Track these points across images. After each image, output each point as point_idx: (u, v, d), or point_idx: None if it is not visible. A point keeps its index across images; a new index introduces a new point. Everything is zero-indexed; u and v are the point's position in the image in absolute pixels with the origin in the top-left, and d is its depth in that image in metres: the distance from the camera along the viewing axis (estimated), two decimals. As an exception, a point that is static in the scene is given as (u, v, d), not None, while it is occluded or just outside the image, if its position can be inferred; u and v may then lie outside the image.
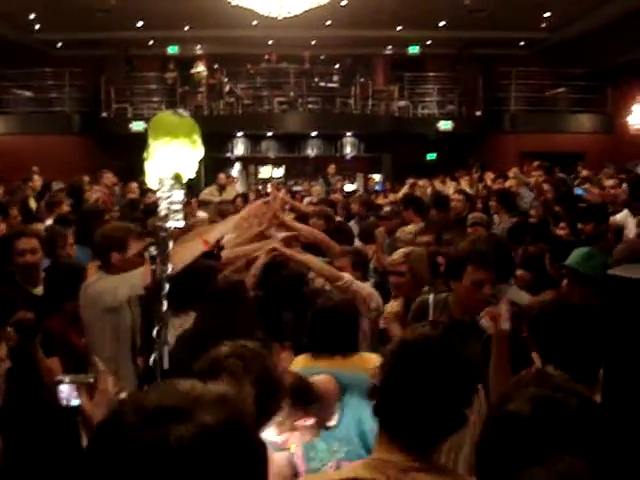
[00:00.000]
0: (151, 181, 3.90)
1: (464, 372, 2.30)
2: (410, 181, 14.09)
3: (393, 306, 5.61)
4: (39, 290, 5.55)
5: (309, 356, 4.07)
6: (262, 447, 1.43)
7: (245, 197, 12.87)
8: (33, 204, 11.01)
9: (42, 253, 5.86)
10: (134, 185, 13.07)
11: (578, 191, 10.23)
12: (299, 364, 4.06)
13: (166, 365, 3.88)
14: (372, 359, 3.78)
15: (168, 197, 3.75)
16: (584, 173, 14.96)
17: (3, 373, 3.29)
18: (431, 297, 4.64)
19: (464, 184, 13.75)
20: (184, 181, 3.83)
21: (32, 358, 4.45)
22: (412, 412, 2.23)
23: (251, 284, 5.27)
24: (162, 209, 3.76)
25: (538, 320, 3.49)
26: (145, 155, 3.89)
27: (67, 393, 3.20)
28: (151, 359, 3.90)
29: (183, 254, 4.48)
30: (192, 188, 13.20)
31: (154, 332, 3.86)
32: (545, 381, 1.94)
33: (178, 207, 3.76)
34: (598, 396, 2.72)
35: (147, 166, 3.88)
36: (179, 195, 3.77)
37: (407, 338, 2.41)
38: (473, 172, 13.50)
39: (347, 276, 5.36)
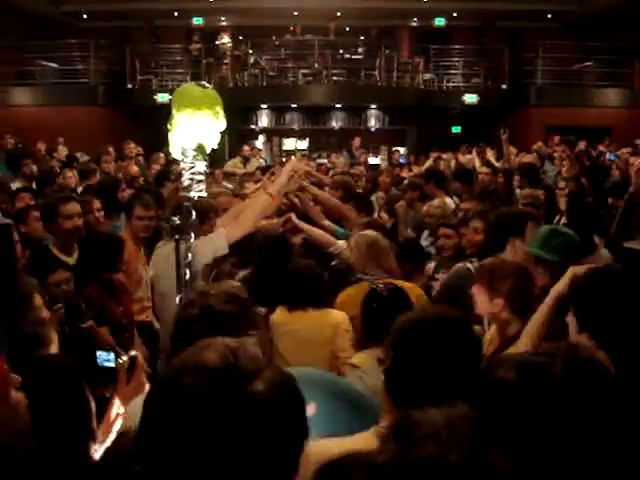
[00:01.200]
0: (175, 152, 3.96)
1: (471, 349, 2.36)
2: (434, 154, 14.03)
3: None
4: (73, 259, 5.60)
5: (285, 309, 4.62)
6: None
7: (264, 170, 12.85)
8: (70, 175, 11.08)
9: None
10: (160, 155, 13.12)
11: (611, 157, 10.08)
12: (277, 317, 4.61)
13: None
14: (338, 316, 4.52)
15: (191, 167, 3.81)
16: (602, 149, 14.80)
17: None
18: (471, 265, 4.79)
19: (490, 156, 13.63)
20: (207, 152, 3.88)
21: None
22: (419, 385, 2.28)
23: None
24: (185, 179, 3.82)
25: (578, 286, 3.42)
26: (169, 126, 3.94)
27: (105, 357, 3.33)
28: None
29: (254, 212, 5.04)
30: (216, 159, 13.25)
31: (177, 299, 3.93)
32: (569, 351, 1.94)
33: (201, 177, 3.82)
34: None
35: (171, 137, 3.93)
36: (202, 166, 3.82)
37: (416, 316, 2.49)
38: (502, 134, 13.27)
39: (340, 243, 5.72)
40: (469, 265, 4.89)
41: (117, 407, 3.11)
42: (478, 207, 6.57)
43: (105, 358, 3.37)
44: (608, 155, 10.64)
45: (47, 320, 3.31)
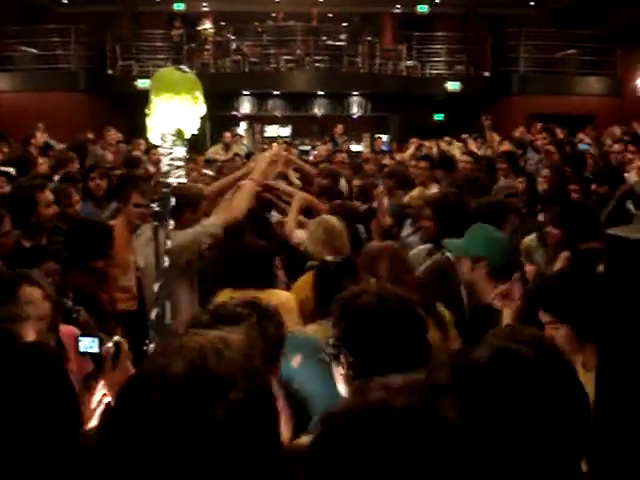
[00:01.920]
0: (153, 137, 3.89)
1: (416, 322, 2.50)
2: (414, 141, 14.00)
3: None
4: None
5: (231, 290, 4.43)
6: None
7: (247, 157, 12.78)
8: (43, 163, 10.96)
9: None
10: (141, 142, 13.03)
11: (583, 146, 10.10)
12: (221, 298, 4.43)
13: (168, 321, 3.91)
14: (282, 295, 4.42)
15: (170, 153, 3.75)
16: (583, 137, 14.84)
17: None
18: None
19: (472, 145, 13.63)
20: (186, 137, 3.82)
21: None
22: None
23: None
24: (164, 165, 3.76)
25: (549, 287, 3.44)
26: (147, 111, 3.88)
27: (89, 343, 3.28)
28: (153, 314, 3.92)
29: (244, 197, 5.24)
30: (197, 146, 13.19)
31: (155, 287, 3.88)
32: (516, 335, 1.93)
33: (180, 163, 3.76)
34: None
35: (149, 122, 3.87)
36: (181, 151, 3.76)
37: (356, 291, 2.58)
38: (484, 120, 13.20)
39: (299, 233, 5.84)
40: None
41: (100, 392, 3.08)
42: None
43: (89, 344, 3.32)
44: (581, 145, 10.62)
45: (22, 315, 3.24)
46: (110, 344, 3.20)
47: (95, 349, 3.26)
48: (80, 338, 3.35)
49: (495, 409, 1.61)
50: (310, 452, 1.30)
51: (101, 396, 3.06)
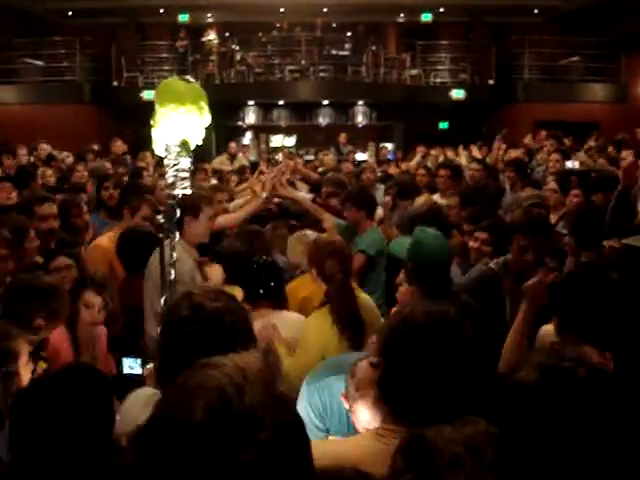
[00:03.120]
0: (158, 148, 3.89)
1: (467, 352, 2.26)
2: (421, 149, 13.99)
3: None
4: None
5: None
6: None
7: (253, 168, 12.79)
8: (50, 174, 10.97)
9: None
10: (147, 155, 13.01)
11: (568, 164, 9.98)
12: None
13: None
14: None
15: (175, 164, 3.74)
16: (592, 144, 14.80)
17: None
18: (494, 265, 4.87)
19: (478, 154, 13.61)
20: (191, 148, 3.81)
21: None
22: (412, 391, 2.21)
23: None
24: (169, 176, 3.75)
25: (558, 288, 3.43)
26: (152, 122, 3.87)
27: (131, 364, 3.29)
28: (159, 329, 3.91)
29: (246, 211, 6.27)
30: (203, 156, 13.19)
31: (162, 300, 3.87)
32: (560, 353, 1.91)
33: (185, 174, 3.75)
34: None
35: (154, 133, 3.87)
36: (186, 162, 3.75)
37: (409, 315, 2.35)
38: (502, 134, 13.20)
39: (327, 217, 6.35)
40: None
41: None
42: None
43: (132, 364, 3.32)
44: (567, 163, 10.40)
45: (12, 332, 3.24)
46: (150, 365, 3.19)
47: (138, 370, 3.26)
48: (123, 359, 3.36)
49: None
50: None
51: None
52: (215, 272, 5.23)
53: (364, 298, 4.60)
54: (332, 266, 4.43)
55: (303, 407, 3.23)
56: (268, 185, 6.31)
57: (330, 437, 3.17)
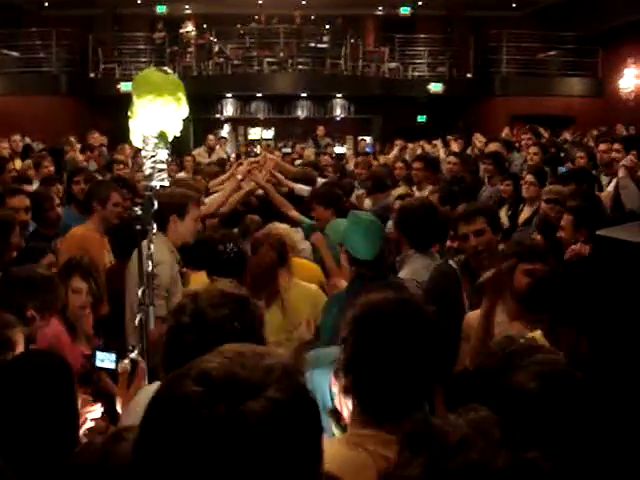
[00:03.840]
0: (136, 140, 3.86)
1: (432, 336, 2.21)
2: (399, 142, 14.00)
3: None
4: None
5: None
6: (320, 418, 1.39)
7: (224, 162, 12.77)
8: (18, 165, 10.88)
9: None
10: (125, 147, 12.91)
11: (562, 169, 10.08)
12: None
13: (152, 326, 3.88)
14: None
15: (152, 156, 3.72)
16: (567, 137, 14.91)
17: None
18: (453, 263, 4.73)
19: (455, 147, 13.66)
20: (169, 140, 3.79)
21: None
22: (381, 385, 2.17)
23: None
24: (147, 168, 3.73)
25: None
26: (130, 113, 3.85)
27: (104, 357, 3.26)
28: (137, 319, 3.90)
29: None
30: (181, 149, 13.13)
31: (139, 292, 3.85)
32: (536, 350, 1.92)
33: (163, 166, 3.73)
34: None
35: (132, 124, 3.84)
36: (163, 154, 3.73)
37: (370, 302, 2.32)
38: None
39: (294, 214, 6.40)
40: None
41: (94, 411, 3.02)
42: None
43: (105, 359, 3.29)
44: (560, 168, 10.46)
45: (11, 322, 3.21)
46: (127, 361, 3.15)
47: (111, 365, 3.23)
48: (97, 352, 3.33)
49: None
50: None
51: (92, 413, 3.02)
52: (199, 280, 5.16)
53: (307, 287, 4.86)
54: None
55: None
56: (243, 168, 6.38)
57: None
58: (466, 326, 3.92)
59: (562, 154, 11.16)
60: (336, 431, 2.61)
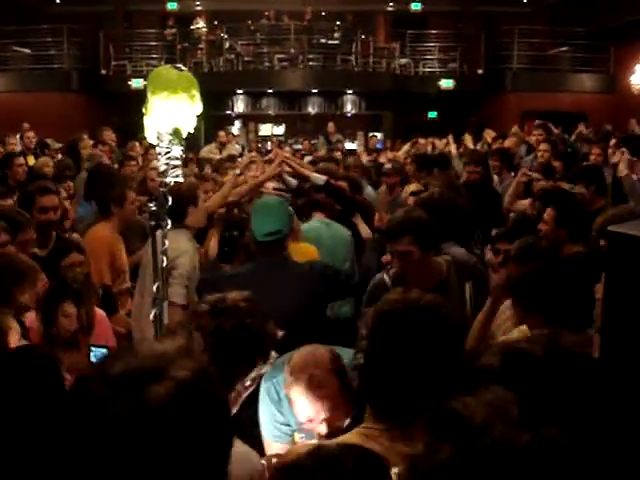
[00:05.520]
0: (150, 136, 3.88)
1: (449, 338, 2.25)
2: (416, 139, 13.97)
3: None
4: (45, 252, 5.32)
5: None
6: (225, 398, 1.46)
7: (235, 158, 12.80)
8: (31, 161, 10.89)
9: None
10: (136, 144, 12.91)
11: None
12: None
13: (166, 320, 3.91)
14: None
15: (167, 152, 3.74)
16: (583, 130, 14.85)
17: None
18: (386, 277, 4.47)
19: (469, 144, 13.62)
20: (183, 136, 3.81)
21: None
22: (392, 389, 2.21)
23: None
24: (161, 164, 3.75)
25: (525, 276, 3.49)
26: (144, 110, 3.87)
27: (98, 353, 3.33)
28: (151, 314, 3.92)
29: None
30: (192, 145, 13.15)
31: (154, 288, 3.87)
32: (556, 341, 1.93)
33: (177, 162, 3.75)
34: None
35: (146, 121, 3.86)
36: (178, 150, 3.75)
37: (384, 308, 2.34)
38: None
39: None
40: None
41: None
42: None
43: (99, 354, 3.37)
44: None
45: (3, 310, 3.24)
46: None
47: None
48: (91, 347, 3.40)
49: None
50: None
51: None
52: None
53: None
54: None
55: (265, 402, 3.23)
56: (243, 161, 6.65)
57: (296, 434, 3.19)
58: None
59: (569, 149, 11.08)
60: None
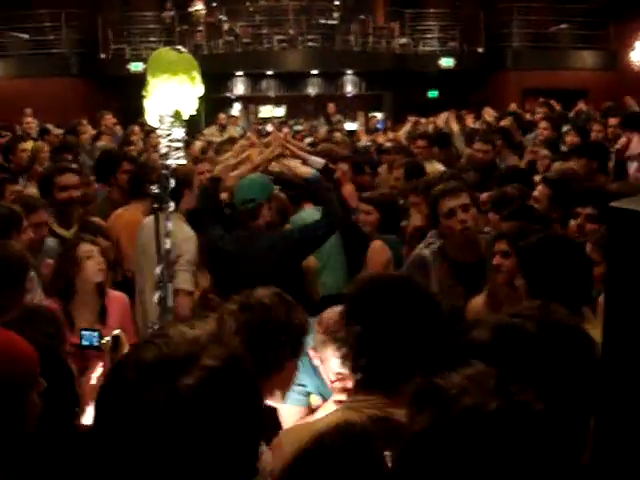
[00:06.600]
0: (151, 119, 3.88)
1: (424, 309, 2.33)
2: (412, 118, 13.94)
3: None
4: (69, 233, 5.39)
5: None
6: (257, 384, 1.46)
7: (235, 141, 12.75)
8: (29, 146, 10.85)
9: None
10: (135, 129, 12.89)
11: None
12: None
13: (170, 303, 3.92)
14: None
15: (168, 135, 3.74)
16: (583, 107, 14.81)
17: None
18: (426, 251, 4.63)
19: (470, 122, 13.60)
20: (184, 118, 3.81)
21: None
22: (377, 356, 2.27)
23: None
24: (162, 147, 3.75)
25: (526, 256, 3.48)
26: (144, 93, 3.86)
27: (89, 336, 3.40)
28: (155, 297, 3.93)
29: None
30: (192, 128, 13.13)
31: (157, 270, 3.88)
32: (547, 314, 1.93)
33: (179, 145, 3.75)
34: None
35: (147, 104, 3.86)
36: (179, 132, 3.75)
37: (364, 281, 2.46)
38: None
39: None
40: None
41: (99, 373, 3.14)
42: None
43: (90, 338, 3.43)
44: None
45: None
46: (108, 338, 3.31)
47: (95, 342, 3.37)
48: (82, 332, 3.46)
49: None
50: None
51: (98, 375, 3.12)
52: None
53: None
54: None
55: None
56: (237, 148, 6.32)
57: (312, 396, 3.23)
58: (470, 312, 3.93)
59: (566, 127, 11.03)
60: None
